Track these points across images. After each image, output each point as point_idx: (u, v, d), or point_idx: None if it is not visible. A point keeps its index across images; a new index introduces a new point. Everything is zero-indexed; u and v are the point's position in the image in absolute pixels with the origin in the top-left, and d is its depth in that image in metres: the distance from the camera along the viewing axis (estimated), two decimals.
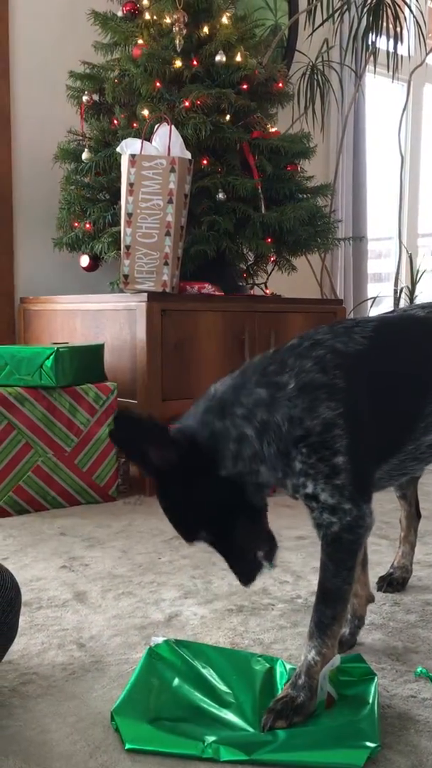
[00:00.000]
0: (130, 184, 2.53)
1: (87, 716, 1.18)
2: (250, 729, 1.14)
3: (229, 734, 1.12)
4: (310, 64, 3.92)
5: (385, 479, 1.36)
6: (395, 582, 1.73)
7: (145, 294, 2.53)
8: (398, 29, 3.83)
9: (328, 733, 1.11)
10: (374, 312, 4.42)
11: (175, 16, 2.69)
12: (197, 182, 2.70)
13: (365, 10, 3.79)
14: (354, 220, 4.44)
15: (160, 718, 1.15)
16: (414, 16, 4.01)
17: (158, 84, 2.73)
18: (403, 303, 4.36)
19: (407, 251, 4.62)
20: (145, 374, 2.53)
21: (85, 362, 2.49)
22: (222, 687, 1.24)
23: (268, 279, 3.26)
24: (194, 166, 2.63)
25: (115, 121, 2.86)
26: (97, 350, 2.56)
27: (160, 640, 1.35)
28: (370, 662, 1.31)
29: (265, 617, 1.57)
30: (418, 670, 1.33)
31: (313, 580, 1.76)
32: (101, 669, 1.34)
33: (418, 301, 4.39)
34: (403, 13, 3.91)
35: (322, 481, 1.18)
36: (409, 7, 3.96)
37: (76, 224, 2.91)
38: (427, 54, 4.41)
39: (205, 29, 2.80)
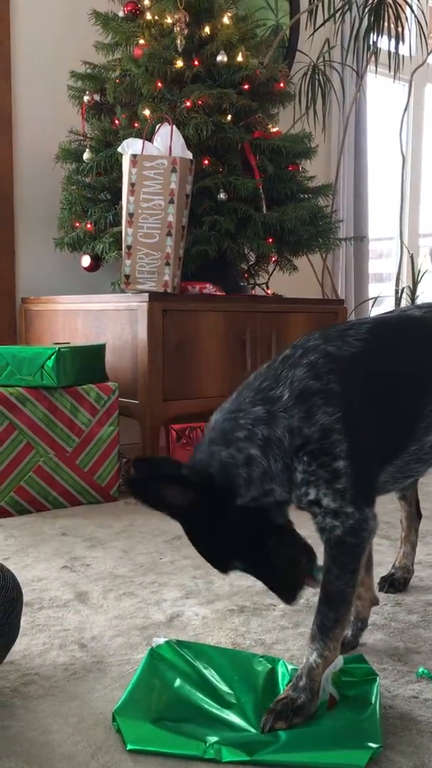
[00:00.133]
0: (132, 184, 2.53)
1: (88, 717, 1.18)
2: (252, 730, 1.14)
3: (231, 735, 1.12)
4: (312, 64, 3.92)
5: (391, 482, 1.35)
6: (397, 582, 1.73)
7: (147, 294, 2.53)
8: (399, 29, 3.83)
9: (330, 734, 1.11)
10: (375, 312, 4.42)
11: (176, 16, 2.69)
12: (198, 182, 2.69)
13: (366, 10, 3.79)
14: (355, 220, 4.44)
15: (162, 719, 1.15)
16: (415, 16, 4.01)
17: (159, 84, 2.73)
18: (405, 303, 4.36)
19: (408, 251, 4.62)
20: (146, 374, 2.53)
21: (87, 362, 2.49)
22: (223, 688, 1.24)
23: (269, 279, 3.26)
24: (195, 166, 2.63)
25: (117, 121, 2.85)
26: (98, 350, 2.56)
27: (161, 640, 1.35)
28: (371, 663, 1.31)
29: (267, 618, 1.57)
30: (420, 670, 1.33)
31: None
32: (103, 669, 1.34)
33: (419, 301, 4.39)
34: (405, 12, 3.91)
35: (323, 486, 1.18)
36: (411, 7, 3.96)
37: (78, 224, 2.91)
38: (428, 54, 4.41)
39: (207, 29, 2.80)
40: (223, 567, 1.25)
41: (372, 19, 3.78)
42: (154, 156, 2.53)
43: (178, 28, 2.69)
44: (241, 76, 2.81)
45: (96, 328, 2.75)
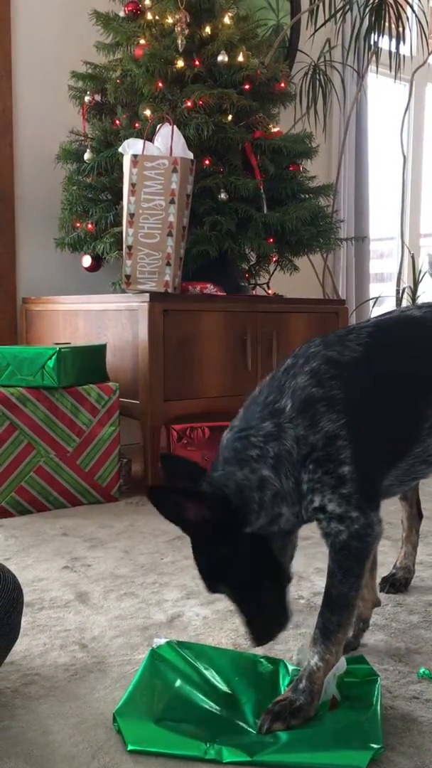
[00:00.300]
0: (132, 185, 2.53)
1: (89, 717, 1.18)
2: (253, 730, 1.14)
3: (232, 735, 1.12)
4: (312, 64, 3.92)
5: (396, 485, 1.35)
6: (398, 583, 1.73)
7: (147, 294, 2.53)
8: (400, 29, 3.83)
9: (331, 735, 1.11)
10: (376, 312, 4.42)
11: (177, 16, 2.69)
12: (199, 182, 2.69)
13: (367, 9, 3.79)
14: (356, 220, 4.44)
15: (163, 720, 1.15)
16: (416, 16, 4.01)
17: (160, 84, 2.72)
18: (406, 303, 4.35)
19: (409, 251, 4.62)
20: (147, 374, 2.53)
21: (87, 362, 2.49)
22: (224, 688, 1.24)
23: (270, 279, 3.26)
24: (196, 166, 2.63)
25: (117, 122, 2.85)
26: (99, 350, 2.56)
27: (162, 641, 1.34)
28: (372, 663, 1.31)
29: None
30: (421, 671, 1.33)
31: (316, 581, 1.76)
32: (103, 670, 1.34)
33: (420, 300, 4.39)
34: (406, 13, 3.91)
35: (329, 492, 1.17)
36: (412, 7, 3.96)
37: (78, 224, 2.91)
38: (429, 54, 4.41)
39: (207, 29, 2.80)
40: (212, 588, 1.24)
41: (373, 19, 3.78)
42: (155, 156, 2.53)
43: (179, 28, 2.68)
44: (242, 76, 2.80)
45: (97, 329, 2.75)
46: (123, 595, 1.70)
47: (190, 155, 2.58)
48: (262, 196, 2.81)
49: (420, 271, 4.43)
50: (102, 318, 2.73)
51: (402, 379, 1.30)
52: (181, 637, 1.44)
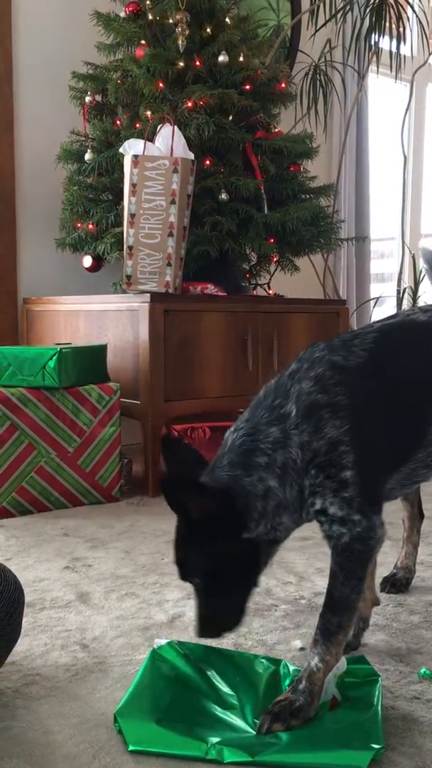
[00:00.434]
0: (133, 185, 2.53)
1: (90, 717, 1.18)
2: (253, 731, 1.14)
3: (233, 736, 1.12)
4: (313, 64, 3.92)
5: (397, 488, 1.35)
6: (398, 583, 1.73)
7: (148, 294, 2.53)
8: (401, 29, 3.83)
9: (332, 735, 1.11)
10: (377, 312, 4.42)
11: (177, 17, 2.69)
12: (200, 183, 2.69)
13: (368, 10, 3.79)
14: (357, 221, 4.44)
15: (164, 720, 1.15)
16: (417, 16, 4.01)
17: (161, 84, 2.73)
18: (406, 303, 4.35)
19: (410, 251, 4.62)
20: (147, 375, 2.53)
21: (88, 363, 2.49)
22: (225, 689, 1.24)
23: (270, 279, 3.26)
24: (197, 166, 2.63)
25: (118, 122, 2.85)
26: (100, 351, 2.56)
27: (163, 642, 1.34)
28: (373, 663, 1.31)
29: (268, 618, 1.57)
30: (422, 671, 1.33)
31: (317, 581, 1.76)
32: (104, 670, 1.34)
33: (421, 301, 4.39)
34: (406, 13, 3.91)
35: (330, 495, 1.18)
36: (412, 7, 3.96)
37: (79, 225, 2.91)
38: (429, 54, 4.40)
39: (208, 30, 2.80)
40: (185, 577, 1.24)
41: (373, 19, 3.78)
42: (156, 156, 2.53)
43: (180, 29, 2.68)
44: (243, 77, 2.81)
45: (97, 329, 2.76)
46: (124, 595, 1.70)
47: (191, 155, 2.58)
48: (263, 196, 2.81)
49: (421, 271, 4.43)
50: (103, 318, 2.73)
51: (407, 385, 1.30)
52: (182, 638, 1.44)
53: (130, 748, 1.09)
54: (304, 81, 3.90)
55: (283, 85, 3.03)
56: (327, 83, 3.96)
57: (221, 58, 2.75)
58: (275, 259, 3.13)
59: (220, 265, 2.84)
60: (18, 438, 2.32)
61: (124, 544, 2.07)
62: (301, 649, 1.30)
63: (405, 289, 4.44)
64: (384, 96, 4.68)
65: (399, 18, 3.81)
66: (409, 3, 3.90)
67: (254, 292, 3.20)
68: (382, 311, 4.48)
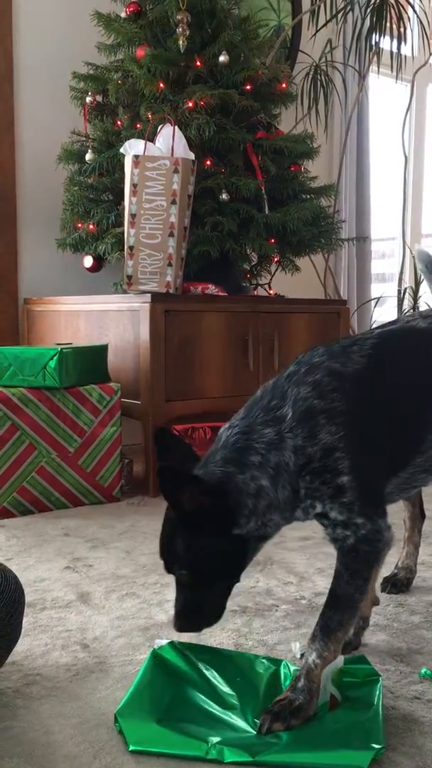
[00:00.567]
0: (134, 185, 2.53)
1: (91, 717, 1.18)
2: (254, 731, 1.14)
3: (233, 735, 1.12)
4: (314, 64, 3.92)
5: (396, 493, 1.36)
6: (399, 583, 1.73)
7: (149, 295, 2.53)
8: (402, 29, 3.83)
9: (333, 735, 1.11)
10: (378, 313, 4.42)
11: (178, 17, 2.69)
12: (201, 183, 2.69)
13: (369, 10, 3.79)
14: (357, 221, 4.44)
15: (164, 720, 1.15)
16: (417, 17, 4.01)
17: (162, 85, 2.73)
18: (407, 303, 4.35)
19: (411, 251, 4.61)
20: (148, 375, 2.53)
21: (89, 363, 2.49)
22: (226, 689, 1.24)
23: (271, 279, 3.26)
24: (198, 166, 2.63)
25: (119, 122, 2.86)
26: (100, 351, 2.56)
27: (164, 642, 1.34)
28: (374, 663, 1.31)
29: (269, 618, 1.57)
30: (423, 671, 1.33)
31: (318, 581, 1.76)
32: (105, 670, 1.34)
33: (422, 301, 4.39)
34: (407, 13, 3.90)
35: (328, 500, 1.19)
36: (413, 7, 3.96)
37: (80, 225, 2.91)
38: (430, 54, 4.40)
39: (209, 30, 2.80)
40: (172, 569, 1.24)
41: (374, 19, 3.78)
42: (156, 157, 2.53)
43: (180, 29, 2.68)
44: (243, 77, 2.80)
45: (98, 329, 2.76)
46: (124, 595, 1.70)
47: (192, 156, 2.58)
48: (264, 196, 2.81)
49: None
50: (103, 318, 2.73)
51: (404, 391, 1.30)
52: (183, 638, 1.43)
53: (131, 748, 1.09)
54: (305, 81, 3.89)
55: (284, 85, 3.03)
56: (328, 83, 3.96)
57: (222, 59, 2.75)
58: (276, 260, 3.13)
59: (221, 266, 2.84)
60: (19, 438, 2.32)
61: (125, 544, 2.07)
62: (302, 656, 1.30)
63: (406, 289, 4.44)
64: (385, 96, 4.67)
65: (400, 18, 3.81)
66: (409, 3, 3.90)
67: (255, 293, 3.20)
68: (382, 311, 4.48)
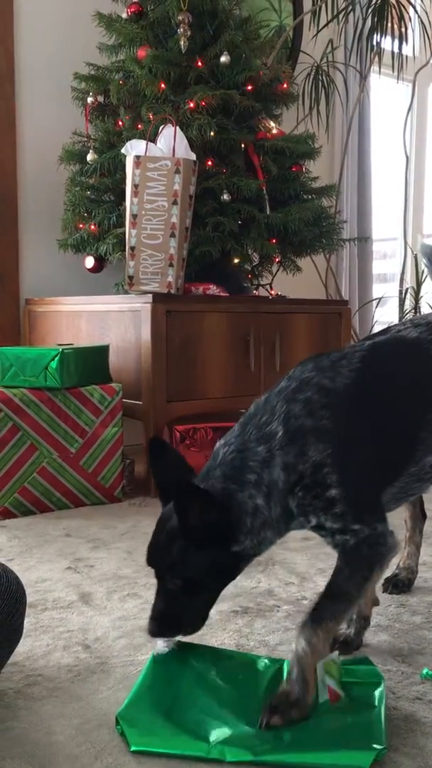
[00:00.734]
0: (135, 186, 2.54)
1: (92, 718, 1.18)
2: (256, 732, 1.13)
3: (235, 735, 1.12)
4: (315, 64, 3.91)
5: (392, 502, 1.37)
6: (401, 583, 1.73)
7: (150, 295, 2.53)
8: (403, 29, 3.83)
9: (335, 735, 1.11)
10: (379, 313, 4.42)
11: (179, 18, 2.69)
12: (202, 183, 2.69)
13: (370, 10, 3.79)
14: (359, 221, 4.44)
15: (166, 720, 1.15)
16: (419, 17, 4.01)
17: (163, 85, 2.73)
18: (409, 304, 4.35)
19: (412, 252, 4.61)
20: (149, 375, 2.53)
21: (90, 363, 2.49)
22: (227, 689, 1.24)
23: (273, 280, 3.26)
24: (199, 167, 2.63)
25: (120, 123, 2.86)
26: (102, 351, 2.56)
27: (165, 650, 1.33)
28: (375, 664, 1.31)
29: (271, 619, 1.57)
30: (424, 671, 1.33)
31: (319, 582, 1.76)
32: (106, 671, 1.34)
33: (423, 301, 4.39)
34: (408, 13, 3.90)
35: (321, 513, 1.21)
36: (414, 8, 3.96)
37: (81, 225, 2.91)
38: None
39: (210, 30, 2.80)
40: (161, 577, 1.25)
41: (375, 19, 3.78)
42: (158, 157, 2.53)
43: (182, 30, 2.69)
44: (245, 77, 2.80)
45: (100, 329, 2.76)
46: (126, 596, 1.70)
47: (193, 156, 2.58)
48: (265, 196, 2.81)
49: (423, 271, 4.43)
50: (105, 319, 2.73)
51: (392, 405, 1.31)
52: (184, 638, 1.43)
53: (132, 748, 1.09)
54: (306, 81, 3.89)
55: (285, 85, 3.03)
56: (329, 84, 3.96)
57: (223, 59, 2.75)
58: (277, 260, 3.13)
59: (222, 266, 2.84)
60: (20, 439, 2.32)
61: (127, 545, 2.07)
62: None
63: (407, 289, 4.44)
64: (386, 96, 4.67)
65: (401, 18, 3.80)
66: (411, 3, 3.90)
67: (256, 293, 3.20)
68: (384, 312, 4.47)
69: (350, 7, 3.85)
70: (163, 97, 2.74)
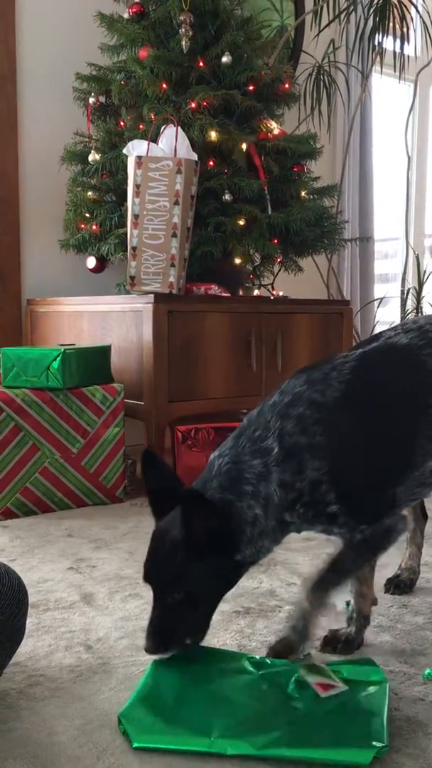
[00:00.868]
0: (137, 186, 2.54)
1: (94, 718, 1.18)
2: (258, 726, 1.13)
3: (237, 730, 1.12)
4: (317, 64, 3.91)
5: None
6: (402, 584, 1.73)
7: (152, 295, 2.53)
8: (405, 29, 3.82)
9: (336, 731, 1.12)
10: (381, 313, 4.42)
11: (181, 18, 2.69)
12: (204, 183, 2.69)
13: (371, 10, 3.78)
14: (361, 221, 4.43)
15: (168, 717, 1.15)
16: (421, 16, 4.00)
17: (164, 85, 2.73)
18: (410, 304, 4.34)
19: (414, 252, 4.61)
20: (151, 375, 2.53)
21: (92, 364, 2.49)
22: (229, 689, 1.24)
23: (274, 280, 3.26)
24: (201, 167, 2.63)
25: (122, 123, 2.86)
26: (103, 352, 2.56)
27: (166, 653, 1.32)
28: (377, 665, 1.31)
29: (273, 619, 1.57)
30: (427, 672, 1.32)
31: None
32: (108, 671, 1.34)
33: (425, 301, 4.38)
34: (410, 13, 3.90)
35: (326, 523, 1.26)
36: (416, 7, 3.95)
37: (83, 226, 2.91)
38: None
39: (212, 31, 2.80)
40: (164, 594, 1.25)
41: (377, 19, 3.77)
42: (159, 157, 2.53)
43: (183, 30, 2.69)
44: (246, 77, 2.80)
45: (101, 330, 2.76)
46: (128, 596, 1.70)
47: (195, 156, 2.58)
48: (267, 196, 2.81)
49: (425, 272, 4.42)
50: (106, 319, 2.73)
51: (385, 415, 1.32)
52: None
53: (134, 744, 1.09)
54: (308, 81, 3.89)
55: (287, 85, 3.03)
56: (331, 84, 3.96)
57: (225, 59, 2.75)
58: (279, 260, 3.12)
59: (224, 266, 2.84)
60: (22, 439, 2.33)
61: (128, 545, 2.07)
62: (306, 654, 1.31)
63: (409, 289, 4.43)
64: (388, 96, 4.67)
65: (403, 18, 3.80)
66: (412, 3, 3.90)
67: (257, 293, 3.19)
68: (386, 312, 4.47)
69: (352, 7, 3.85)
70: (165, 98, 2.74)
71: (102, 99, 2.95)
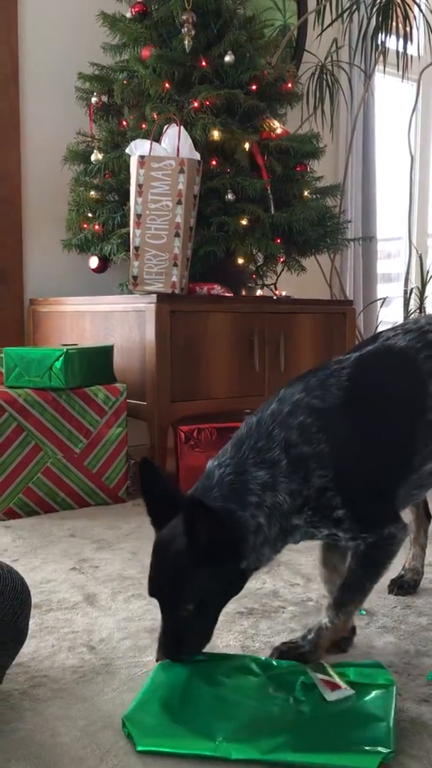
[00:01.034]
0: (139, 186, 2.53)
1: (97, 719, 1.18)
2: (263, 731, 1.13)
3: (241, 734, 1.12)
4: (320, 64, 3.91)
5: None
6: (406, 585, 1.72)
7: (155, 295, 2.53)
8: (408, 29, 3.81)
9: (342, 736, 1.11)
10: (384, 313, 4.41)
11: (183, 17, 2.69)
12: (206, 183, 2.69)
13: (374, 9, 3.77)
14: (363, 221, 4.43)
15: (172, 720, 1.15)
16: (424, 16, 3.99)
17: (167, 85, 2.72)
18: (414, 304, 4.34)
19: (417, 251, 4.60)
20: (154, 375, 2.52)
21: (95, 364, 2.49)
22: (233, 691, 1.23)
23: (277, 280, 3.25)
24: (203, 166, 2.63)
25: (124, 123, 2.85)
26: (106, 352, 2.56)
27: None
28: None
29: (276, 620, 1.57)
30: (430, 673, 1.32)
31: None
32: (111, 672, 1.34)
33: (428, 301, 4.37)
34: (413, 12, 3.89)
35: (332, 527, 1.28)
36: (419, 7, 3.94)
37: (86, 225, 2.91)
38: None
39: (214, 30, 2.79)
40: (175, 607, 1.25)
41: (380, 18, 3.77)
42: (162, 157, 2.53)
43: (186, 29, 2.68)
44: (249, 77, 2.80)
45: (104, 330, 2.75)
46: (131, 596, 1.69)
47: (197, 156, 2.58)
48: (269, 196, 2.80)
49: (428, 271, 4.42)
50: (109, 319, 2.73)
51: (383, 418, 1.34)
52: None
53: (139, 748, 1.09)
54: (311, 81, 3.88)
55: (290, 85, 3.02)
56: (333, 83, 3.95)
57: (227, 59, 2.75)
58: (282, 260, 3.12)
59: (227, 266, 2.84)
60: (24, 439, 2.32)
61: (131, 545, 2.06)
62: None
63: (412, 289, 4.43)
64: (391, 95, 4.66)
65: (406, 17, 3.79)
66: (416, 2, 3.88)
67: (260, 293, 3.19)
68: (389, 312, 4.46)
69: (355, 7, 3.84)
70: (168, 97, 2.73)
71: (104, 98, 2.94)
